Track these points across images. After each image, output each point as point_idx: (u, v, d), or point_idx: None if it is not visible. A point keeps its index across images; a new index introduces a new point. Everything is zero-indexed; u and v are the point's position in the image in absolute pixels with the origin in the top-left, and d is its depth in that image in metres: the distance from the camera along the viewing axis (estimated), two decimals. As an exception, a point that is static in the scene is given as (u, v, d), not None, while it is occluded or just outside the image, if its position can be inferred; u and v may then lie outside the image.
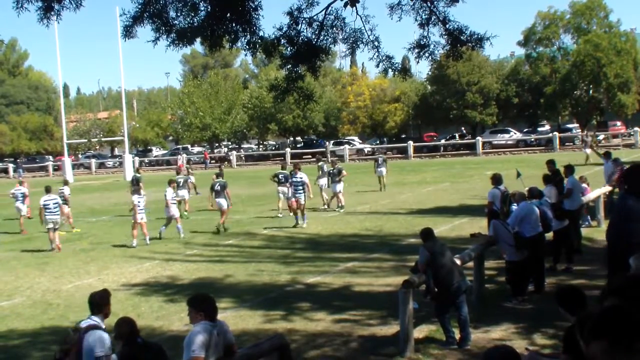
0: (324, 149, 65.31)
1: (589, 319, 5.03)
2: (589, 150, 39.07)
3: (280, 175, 25.87)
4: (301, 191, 23.08)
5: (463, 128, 73.78)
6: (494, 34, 9.93)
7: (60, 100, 71.07)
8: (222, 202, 23.04)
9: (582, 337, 4.90)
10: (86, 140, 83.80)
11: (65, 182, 26.56)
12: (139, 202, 21.04)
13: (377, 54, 10.34)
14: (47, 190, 22.46)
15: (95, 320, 7.03)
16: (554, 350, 9.32)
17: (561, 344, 5.14)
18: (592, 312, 5.16)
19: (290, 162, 24.38)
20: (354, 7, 9.99)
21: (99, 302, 7.16)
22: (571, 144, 61.20)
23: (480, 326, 10.70)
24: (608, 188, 20.20)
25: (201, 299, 7.00)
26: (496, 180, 15.99)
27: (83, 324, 6.99)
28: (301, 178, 23.37)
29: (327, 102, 76.02)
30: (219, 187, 23.38)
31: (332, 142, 72.32)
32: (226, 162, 67.77)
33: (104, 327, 6.99)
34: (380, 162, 33.70)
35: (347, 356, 9.98)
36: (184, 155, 72.89)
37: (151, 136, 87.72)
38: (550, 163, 17.09)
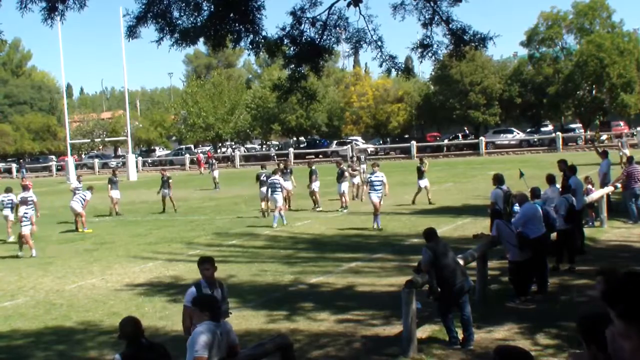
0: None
1: (589, 319, 5.04)
2: (627, 151, 38.22)
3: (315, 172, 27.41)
4: (380, 190, 21.82)
5: (466, 128, 73.74)
6: (496, 34, 9.97)
7: (63, 100, 71.22)
8: (265, 190, 25.40)
9: (583, 338, 4.92)
10: (89, 140, 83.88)
11: (90, 188, 26.60)
12: (25, 213, 20.68)
13: (380, 53, 10.36)
14: (7, 190, 23.76)
15: (198, 280, 8.48)
16: (557, 349, 9.34)
17: (580, 336, 5.14)
18: (593, 314, 5.15)
19: (372, 163, 23.95)
20: (357, 7, 10.01)
21: (199, 266, 8.52)
22: (574, 144, 61.14)
23: (483, 326, 10.69)
24: (610, 188, 20.19)
25: (206, 300, 7.02)
26: (498, 180, 16.00)
27: None
28: (382, 177, 22.01)
29: (330, 102, 76.01)
30: (264, 178, 25.70)
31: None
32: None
33: (202, 284, 8.34)
34: (362, 160, 35.92)
35: (350, 356, 9.97)
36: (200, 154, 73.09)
37: (154, 136, 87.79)
38: (562, 162, 17.06)
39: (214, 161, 45.67)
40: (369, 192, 22.09)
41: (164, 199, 29.70)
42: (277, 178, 23.97)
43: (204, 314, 6.77)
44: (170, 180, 29.87)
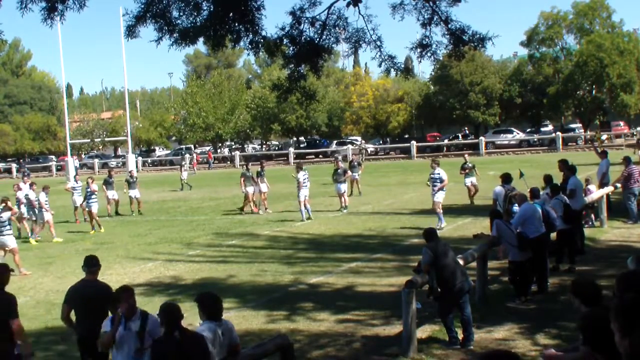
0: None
1: (589, 319, 5.05)
2: None
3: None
4: (436, 187, 20.92)
5: (466, 128, 73.74)
6: (496, 34, 9.97)
7: (63, 100, 71.15)
8: (250, 189, 27.36)
9: (582, 335, 4.93)
10: (89, 140, 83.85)
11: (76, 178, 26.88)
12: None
13: (379, 53, 10.36)
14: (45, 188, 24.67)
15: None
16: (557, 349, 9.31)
17: (579, 335, 5.14)
18: (592, 314, 5.17)
19: (432, 159, 23.01)
20: (357, 7, 10.00)
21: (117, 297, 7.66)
22: (574, 144, 61.14)
23: (483, 326, 10.69)
24: (610, 188, 20.17)
25: (208, 298, 7.00)
26: (505, 179, 16.12)
27: None
28: (439, 174, 21.08)
29: (330, 102, 76.04)
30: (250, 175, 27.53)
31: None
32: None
33: (120, 314, 7.36)
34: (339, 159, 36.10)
35: (350, 356, 9.97)
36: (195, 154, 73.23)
37: (154, 136, 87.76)
38: (562, 163, 17.02)
39: (184, 163, 45.84)
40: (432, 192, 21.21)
41: (131, 200, 29.73)
42: (305, 174, 24.84)
43: (205, 313, 6.77)
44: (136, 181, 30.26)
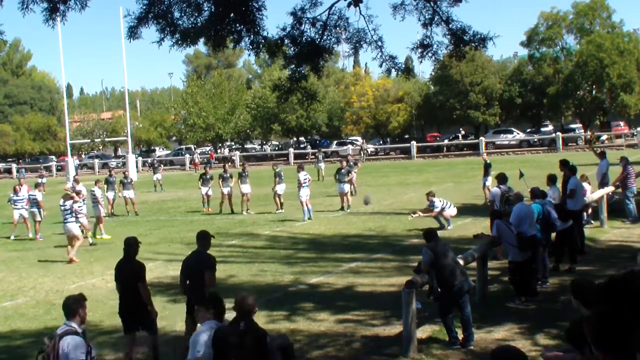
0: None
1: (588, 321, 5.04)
2: None
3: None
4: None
5: (463, 129, 73.62)
6: (496, 34, 9.98)
7: (63, 100, 71.22)
8: (227, 189, 28.26)
9: (575, 342, 4.92)
10: (89, 140, 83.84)
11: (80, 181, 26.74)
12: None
13: (380, 53, 10.38)
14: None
15: (71, 325, 6.73)
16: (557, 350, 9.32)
17: (568, 338, 5.14)
18: (589, 315, 5.15)
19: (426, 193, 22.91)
20: (358, 7, 10.01)
21: (73, 306, 6.86)
22: (574, 144, 61.13)
23: (483, 326, 10.71)
24: (611, 188, 20.16)
25: (211, 298, 7.02)
26: (500, 179, 16.14)
27: (59, 331, 6.72)
28: (434, 203, 20.83)
29: (330, 103, 76.01)
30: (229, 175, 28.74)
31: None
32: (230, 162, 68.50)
33: (80, 331, 6.71)
34: (320, 158, 42.05)
35: (350, 356, 9.98)
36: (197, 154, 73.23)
37: (154, 136, 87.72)
38: (562, 163, 16.99)
39: (158, 164, 46.13)
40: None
41: (126, 201, 29.83)
42: (306, 174, 25.27)
43: (209, 312, 6.79)
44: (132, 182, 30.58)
